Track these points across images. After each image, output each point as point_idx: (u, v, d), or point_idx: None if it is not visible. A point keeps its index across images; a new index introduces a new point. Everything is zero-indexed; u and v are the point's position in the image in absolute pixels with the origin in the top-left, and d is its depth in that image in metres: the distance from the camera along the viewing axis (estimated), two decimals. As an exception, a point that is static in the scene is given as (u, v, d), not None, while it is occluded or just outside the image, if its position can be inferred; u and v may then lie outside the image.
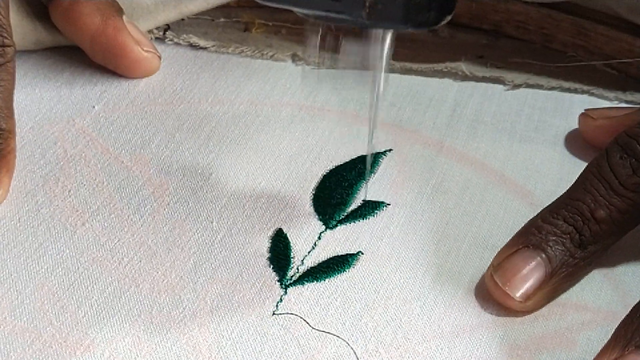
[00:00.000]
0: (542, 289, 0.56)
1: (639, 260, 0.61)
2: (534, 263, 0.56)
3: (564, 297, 0.58)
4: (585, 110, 0.69)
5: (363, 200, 0.64)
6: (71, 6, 0.68)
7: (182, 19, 0.77)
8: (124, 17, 0.70)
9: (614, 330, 0.54)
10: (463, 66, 0.75)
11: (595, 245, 0.57)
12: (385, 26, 0.53)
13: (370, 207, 0.63)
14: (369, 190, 0.64)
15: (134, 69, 0.70)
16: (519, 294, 0.56)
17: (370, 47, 0.55)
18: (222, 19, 0.79)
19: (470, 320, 0.57)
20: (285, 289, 0.57)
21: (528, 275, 0.56)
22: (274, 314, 0.56)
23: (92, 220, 0.60)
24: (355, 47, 0.55)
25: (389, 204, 0.64)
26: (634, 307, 0.54)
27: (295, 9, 0.53)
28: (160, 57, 0.71)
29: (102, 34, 0.68)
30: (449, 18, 0.52)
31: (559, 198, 0.59)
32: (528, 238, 0.57)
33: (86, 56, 0.71)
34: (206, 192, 0.63)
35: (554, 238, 0.57)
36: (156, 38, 0.75)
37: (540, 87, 0.75)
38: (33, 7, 0.70)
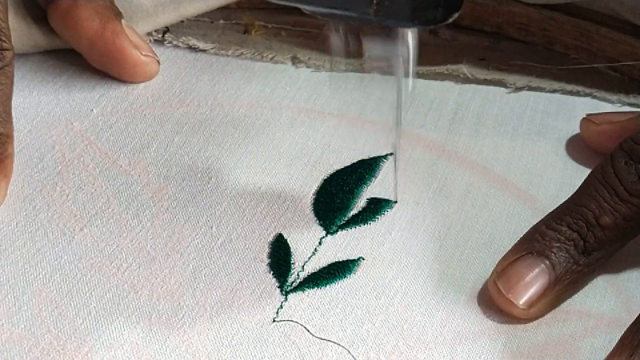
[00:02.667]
0: (545, 296, 0.56)
1: (643, 266, 0.61)
2: (537, 270, 0.56)
3: (566, 303, 0.58)
4: (586, 115, 0.69)
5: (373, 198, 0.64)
6: (69, 10, 0.68)
7: (182, 21, 0.76)
8: (123, 21, 0.69)
9: (617, 336, 0.54)
10: (464, 69, 0.74)
11: (599, 252, 0.57)
12: (392, 24, 0.53)
13: (371, 212, 0.62)
14: (372, 194, 0.64)
15: (132, 73, 0.69)
16: (522, 301, 0.55)
17: (395, 48, 0.55)
18: (221, 21, 0.78)
19: (473, 327, 0.56)
20: (286, 295, 0.57)
21: (531, 283, 0.56)
22: (274, 320, 0.55)
23: (91, 226, 0.60)
24: (379, 48, 0.55)
25: (395, 202, 0.63)
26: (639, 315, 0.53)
27: (302, 6, 0.53)
28: (159, 62, 0.71)
29: (101, 38, 0.68)
30: (456, 15, 0.52)
31: (563, 204, 0.59)
32: (532, 244, 0.57)
33: (84, 59, 0.71)
34: (205, 196, 0.62)
35: (557, 245, 0.56)
36: (155, 40, 0.75)
37: (542, 89, 0.74)
38: (31, 10, 0.70)
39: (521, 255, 0.57)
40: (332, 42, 0.55)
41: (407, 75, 0.56)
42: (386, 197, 0.64)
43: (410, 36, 0.54)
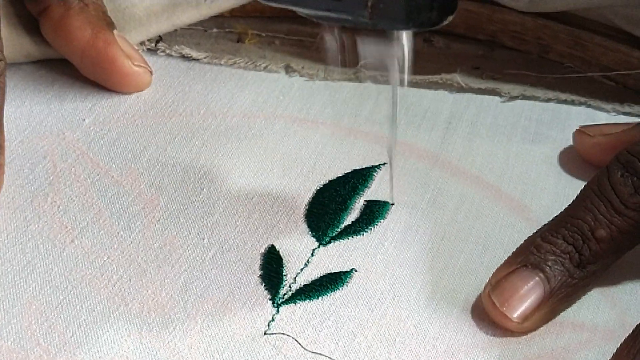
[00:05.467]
0: (540, 309, 0.55)
1: (637, 278, 0.60)
2: (532, 283, 0.55)
3: (560, 315, 0.57)
4: (580, 127, 0.68)
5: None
6: (61, 19, 0.68)
7: (175, 30, 0.76)
8: (115, 31, 0.69)
9: (611, 349, 0.53)
10: (458, 77, 0.74)
11: (594, 265, 0.56)
12: (387, 26, 0.53)
13: (364, 223, 0.62)
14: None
15: (123, 83, 0.69)
16: (516, 314, 0.55)
17: (391, 48, 0.55)
18: (214, 30, 0.78)
19: (466, 340, 0.56)
20: (278, 307, 0.56)
21: (526, 296, 0.55)
22: (265, 333, 0.55)
23: (82, 237, 0.59)
24: (375, 49, 0.55)
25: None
26: (635, 327, 0.53)
27: (297, 9, 0.53)
28: (151, 72, 0.70)
29: (92, 47, 0.68)
30: (450, 18, 0.52)
31: (558, 215, 0.58)
32: (527, 257, 0.56)
33: (76, 68, 0.70)
34: (197, 207, 0.62)
35: (553, 257, 0.56)
36: (148, 49, 0.74)
37: (536, 98, 0.74)
38: (23, 20, 0.69)
39: (516, 268, 0.56)
40: (327, 45, 0.55)
41: (402, 76, 0.56)
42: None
43: (406, 37, 0.54)
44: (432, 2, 0.51)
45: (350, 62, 0.56)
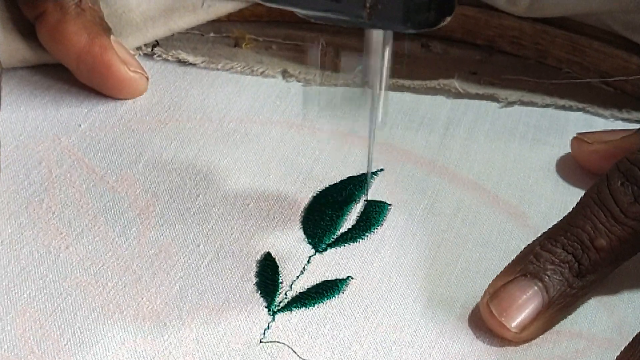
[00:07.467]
0: (538, 319, 0.55)
1: (634, 286, 0.60)
2: (530, 292, 0.55)
3: (557, 324, 0.57)
4: (578, 133, 0.68)
5: (365, 201, 0.63)
6: (58, 24, 0.67)
7: (171, 35, 0.75)
8: (112, 37, 0.69)
9: (609, 358, 0.53)
10: (456, 83, 0.74)
11: (593, 275, 0.56)
12: (385, 26, 0.53)
13: (361, 230, 0.62)
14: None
15: (119, 89, 0.69)
16: (514, 324, 0.55)
17: (370, 59, 0.55)
18: (211, 34, 0.78)
19: (462, 349, 0.55)
20: (273, 315, 0.56)
21: (524, 305, 0.55)
22: (261, 341, 0.55)
23: (76, 244, 0.59)
24: (355, 61, 0.55)
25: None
26: (634, 337, 0.52)
27: (295, 10, 0.53)
28: (147, 78, 0.70)
29: (88, 53, 0.67)
30: (448, 19, 0.52)
31: (557, 223, 0.58)
32: (526, 266, 0.56)
33: (73, 74, 0.70)
34: (193, 214, 0.62)
35: (552, 267, 0.56)
36: (144, 54, 0.74)
37: (534, 104, 0.74)
38: (19, 25, 0.69)
39: (515, 277, 0.56)
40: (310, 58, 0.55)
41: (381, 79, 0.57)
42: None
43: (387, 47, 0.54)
44: (430, 2, 0.51)
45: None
